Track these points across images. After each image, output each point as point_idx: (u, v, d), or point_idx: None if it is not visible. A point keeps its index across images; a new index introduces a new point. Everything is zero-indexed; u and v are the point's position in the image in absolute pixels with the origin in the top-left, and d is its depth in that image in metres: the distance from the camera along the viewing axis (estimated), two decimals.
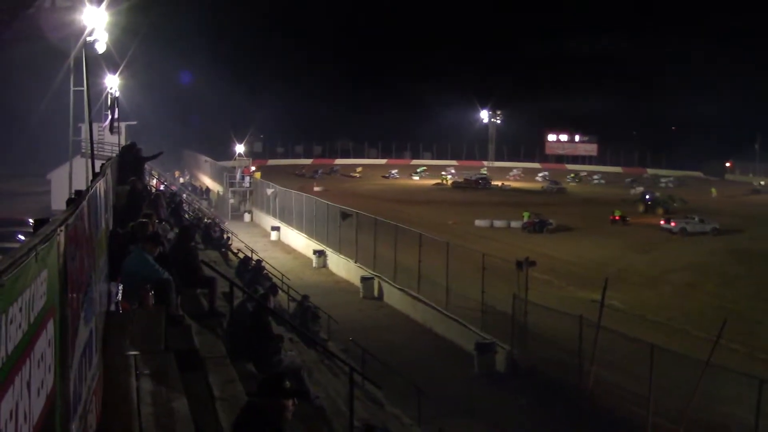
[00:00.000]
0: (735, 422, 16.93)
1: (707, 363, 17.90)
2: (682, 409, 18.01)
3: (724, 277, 37.79)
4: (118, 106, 34.92)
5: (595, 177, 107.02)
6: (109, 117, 25.82)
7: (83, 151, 37.43)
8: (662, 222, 55.38)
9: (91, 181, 9.13)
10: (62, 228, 4.09)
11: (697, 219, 54.57)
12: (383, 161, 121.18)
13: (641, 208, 66.14)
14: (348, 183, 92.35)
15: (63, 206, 6.37)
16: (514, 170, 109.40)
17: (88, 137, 18.88)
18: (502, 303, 24.63)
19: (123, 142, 34.22)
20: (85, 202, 5.67)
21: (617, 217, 57.65)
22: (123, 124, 43.75)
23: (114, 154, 25.99)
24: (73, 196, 6.76)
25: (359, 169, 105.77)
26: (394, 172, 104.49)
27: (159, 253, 10.75)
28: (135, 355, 7.33)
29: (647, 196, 69.17)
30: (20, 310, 2.94)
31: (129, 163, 20.44)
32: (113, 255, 9.68)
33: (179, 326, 9.39)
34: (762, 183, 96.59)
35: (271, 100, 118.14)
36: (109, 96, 35.29)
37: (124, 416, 5.85)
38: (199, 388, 7.72)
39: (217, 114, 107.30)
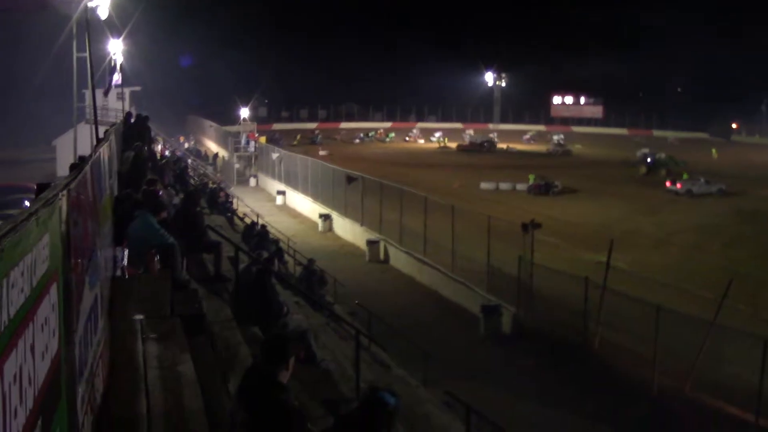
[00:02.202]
0: (741, 382, 17.00)
1: (713, 323, 17.98)
2: (687, 369, 18.12)
3: (730, 237, 37.80)
4: (121, 72, 34.76)
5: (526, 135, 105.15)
6: (111, 82, 25.68)
7: (88, 117, 37.34)
8: (668, 183, 55.26)
9: (95, 147, 9.09)
10: (64, 193, 4.07)
11: (702, 180, 54.43)
12: (388, 124, 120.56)
13: (643, 170, 65.85)
14: (352, 147, 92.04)
15: (67, 172, 6.35)
16: (528, 133, 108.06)
17: (92, 103, 18.81)
18: (507, 265, 24.65)
19: (127, 108, 34.13)
20: (88, 168, 5.64)
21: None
22: (127, 90, 43.62)
23: (118, 120, 25.92)
24: (76, 162, 6.74)
25: (342, 132, 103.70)
26: (414, 131, 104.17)
27: (164, 218, 10.76)
28: (141, 319, 7.36)
29: (649, 158, 68.72)
30: (22, 274, 2.93)
31: (133, 129, 20.40)
32: (118, 220, 9.67)
33: (185, 291, 9.41)
34: None
35: (275, 65, 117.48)
36: (112, 61, 35.12)
37: (130, 380, 5.88)
38: (205, 351, 7.75)
39: (221, 79, 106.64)
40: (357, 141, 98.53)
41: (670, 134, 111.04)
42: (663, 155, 70.12)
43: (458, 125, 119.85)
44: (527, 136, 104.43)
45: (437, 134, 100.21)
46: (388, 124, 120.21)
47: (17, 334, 2.82)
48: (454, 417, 13.22)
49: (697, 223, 41.64)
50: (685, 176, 56.60)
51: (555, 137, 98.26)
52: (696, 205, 48.55)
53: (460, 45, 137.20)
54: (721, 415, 16.81)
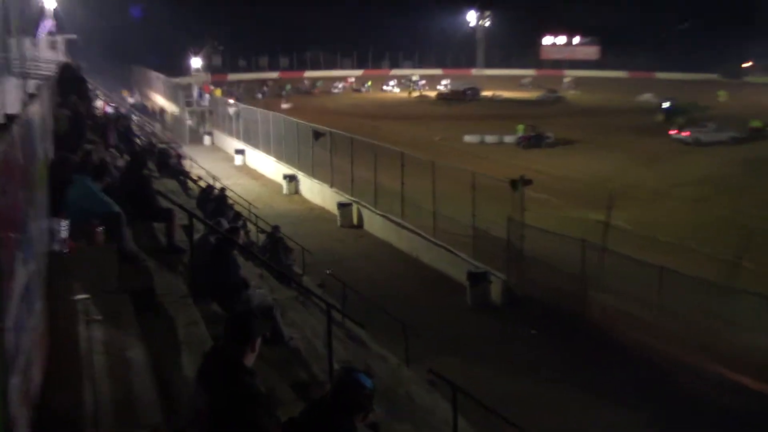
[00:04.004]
0: (756, 350, 17.23)
1: (726, 287, 18.13)
2: (694, 336, 18.34)
3: (741, 191, 38.05)
4: (55, 18, 34.14)
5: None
6: (42, 28, 25.16)
7: (15, 70, 36.67)
8: (673, 132, 55.42)
9: (24, 104, 8.93)
10: None
11: (713, 127, 54.55)
12: (359, 72, 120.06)
13: (660, 117, 65.67)
14: (319, 99, 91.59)
15: None
16: (526, 77, 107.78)
17: (19, 53, 18.45)
18: (495, 227, 24.75)
19: (62, 59, 33.60)
20: (15, 128, 5.53)
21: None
22: (61, 38, 42.85)
23: (52, 74, 25.52)
24: (2, 122, 6.61)
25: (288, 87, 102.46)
26: (420, 81, 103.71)
27: (107, 184, 10.63)
28: (84, 299, 7.28)
29: (666, 105, 68.45)
30: None
31: (69, 83, 20.09)
32: (55, 187, 9.53)
33: (133, 264, 9.34)
34: None
35: (230, 6, 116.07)
36: (42, 4, 34.49)
37: (73, 368, 5.82)
38: (158, 332, 7.71)
39: (169, 23, 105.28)
40: (336, 91, 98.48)
41: (676, 76, 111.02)
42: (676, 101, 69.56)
43: (437, 71, 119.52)
44: (523, 81, 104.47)
45: (417, 80, 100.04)
46: (359, 72, 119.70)
47: None
48: (440, 397, 13.31)
49: (706, 175, 41.92)
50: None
51: (565, 80, 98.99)
52: (705, 154, 48.81)
53: None
54: (732, 386, 17.06)
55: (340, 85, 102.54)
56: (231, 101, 58.88)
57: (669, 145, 52.68)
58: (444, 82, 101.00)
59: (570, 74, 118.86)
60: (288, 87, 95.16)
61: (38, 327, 5.40)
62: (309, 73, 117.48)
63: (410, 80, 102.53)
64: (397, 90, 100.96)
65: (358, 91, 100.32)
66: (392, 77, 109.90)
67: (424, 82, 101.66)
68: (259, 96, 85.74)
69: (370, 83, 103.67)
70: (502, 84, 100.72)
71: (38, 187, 7.27)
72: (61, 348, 6.10)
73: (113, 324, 6.85)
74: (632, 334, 19.60)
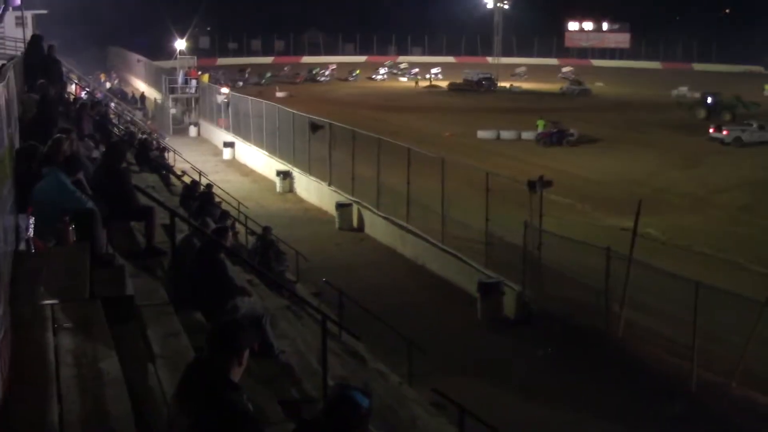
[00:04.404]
0: None
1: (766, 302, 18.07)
2: (734, 360, 18.28)
3: None
4: None
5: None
6: (7, 2, 25.08)
7: None
8: (711, 130, 55.34)
9: None
10: None
11: (755, 125, 54.45)
12: (362, 58, 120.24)
13: (702, 114, 65.63)
14: (318, 87, 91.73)
15: None
16: (520, 67, 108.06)
17: None
18: (510, 233, 24.72)
19: (29, 37, 33.59)
20: None
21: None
22: (29, 14, 42.87)
23: (19, 53, 25.58)
24: None
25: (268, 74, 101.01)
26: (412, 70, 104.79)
27: (80, 178, 10.65)
28: (52, 304, 7.30)
29: (710, 99, 67.96)
30: None
31: (38, 64, 20.14)
32: (21, 181, 9.56)
33: (108, 268, 9.33)
34: None
35: None
36: None
37: (39, 381, 5.83)
38: (134, 343, 7.71)
39: (153, 1, 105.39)
40: (322, 80, 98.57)
41: (715, 68, 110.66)
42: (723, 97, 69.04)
43: (450, 59, 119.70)
44: (564, 71, 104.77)
45: (433, 70, 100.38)
46: (362, 59, 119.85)
47: None
48: (445, 421, 13.34)
49: (747, 179, 41.91)
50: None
51: (517, 69, 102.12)
52: (746, 156, 48.76)
53: None
54: None
55: (327, 72, 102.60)
56: (224, 90, 58.87)
57: (706, 144, 52.65)
58: (434, 70, 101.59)
59: (597, 64, 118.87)
60: (268, 74, 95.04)
61: (0, 334, 5.41)
62: (307, 59, 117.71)
63: (399, 68, 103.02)
64: (385, 78, 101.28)
65: (344, 80, 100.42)
66: (383, 65, 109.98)
67: (417, 70, 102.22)
68: (240, 84, 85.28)
69: (358, 71, 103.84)
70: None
71: (3, 180, 7.30)
72: (25, 358, 6.12)
73: (84, 332, 6.86)
74: (663, 356, 19.57)
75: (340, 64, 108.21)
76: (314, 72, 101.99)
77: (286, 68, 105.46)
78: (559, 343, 20.94)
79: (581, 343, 20.75)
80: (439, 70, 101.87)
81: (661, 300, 20.44)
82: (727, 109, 64.97)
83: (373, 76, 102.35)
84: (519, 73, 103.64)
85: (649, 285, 20.77)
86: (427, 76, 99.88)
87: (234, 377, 5.34)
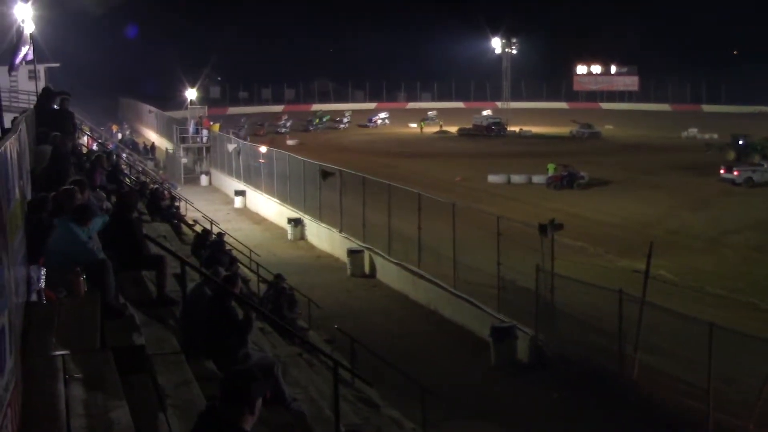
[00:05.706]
0: None
1: None
2: (751, 402, 18.11)
3: None
4: (32, 44, 34.48)
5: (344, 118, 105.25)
6: (18, 56, 25.29)
7: None
8: (722, 171, 55.31)
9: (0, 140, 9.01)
10: None
11: (766, 165, 54.44)
12: (372, 105, 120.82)
13: (731, 155, 64.93)
14: (327, 134, 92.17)
15: None
16: (485, 111, 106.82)
17: None
18: (523, 277, 24.66)
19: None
20: None
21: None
22: (41, 67, 43.31)
23: (31, 106, 25.79)
24: None
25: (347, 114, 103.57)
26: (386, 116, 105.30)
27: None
28: (63, 355, 7.30)
29: (741, 141, 67.23)
30: None
31: (50, 116, 20.27)
32: (33, 232, 9.59)
33: (119, 318, 9.34)
34: None
35: (231, 33, 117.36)
36: (19, 29, 34.81)
37: (49, 431, 5.82)
38: (145, 393, 7.69)
39: (163, 52, 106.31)
40: (371, 125, 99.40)
41: (725, 109, 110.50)
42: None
43: (459, 104, 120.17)
44: (431, 114, 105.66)
45: (430, 113, 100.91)
46: (372, 105, 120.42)
47: None
48: None
49: (759, 219, 41.80)
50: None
51: (430, 113, 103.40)
52: (758, 196, 48.70)
53: (460, 4, 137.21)
54: None
55: (345, 120, 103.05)
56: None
57: (717, 185, 52.65)
58: (430, 113, 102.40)
59: (606, 107, 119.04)
60: (266, 124, 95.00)
61: (10, 386, 5.41)
62: (317, 106, 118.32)
63: (381, 118, 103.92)
64: (413, 125, 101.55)
65: (334, 128, 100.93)
66: (385, 110, 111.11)
67: (434, 113, 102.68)
68: (241, 133, 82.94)
69: (350, 113, 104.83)
70: (531, 118, 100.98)
71: (14, 232, 7.33)
72: (36, 409, 6.11)
73: (95, 383, 6.85)
74: (676, 397, 19.40)
75: (355, 111, 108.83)
76: (316, 120, 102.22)
77: (243, 119, 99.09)
78: (573, 386, 20.82)
79: (596, 387, 20.60)
80: (387, 115, 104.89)
81: (675, 342, 20.32)
82: (757, 150, 64.26)
83: (367, 123, 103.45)
84: (431, 117, 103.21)
85: (662, 327, 20.65)
86: (425, 119, 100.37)
87: (246, 426, 5.33)
